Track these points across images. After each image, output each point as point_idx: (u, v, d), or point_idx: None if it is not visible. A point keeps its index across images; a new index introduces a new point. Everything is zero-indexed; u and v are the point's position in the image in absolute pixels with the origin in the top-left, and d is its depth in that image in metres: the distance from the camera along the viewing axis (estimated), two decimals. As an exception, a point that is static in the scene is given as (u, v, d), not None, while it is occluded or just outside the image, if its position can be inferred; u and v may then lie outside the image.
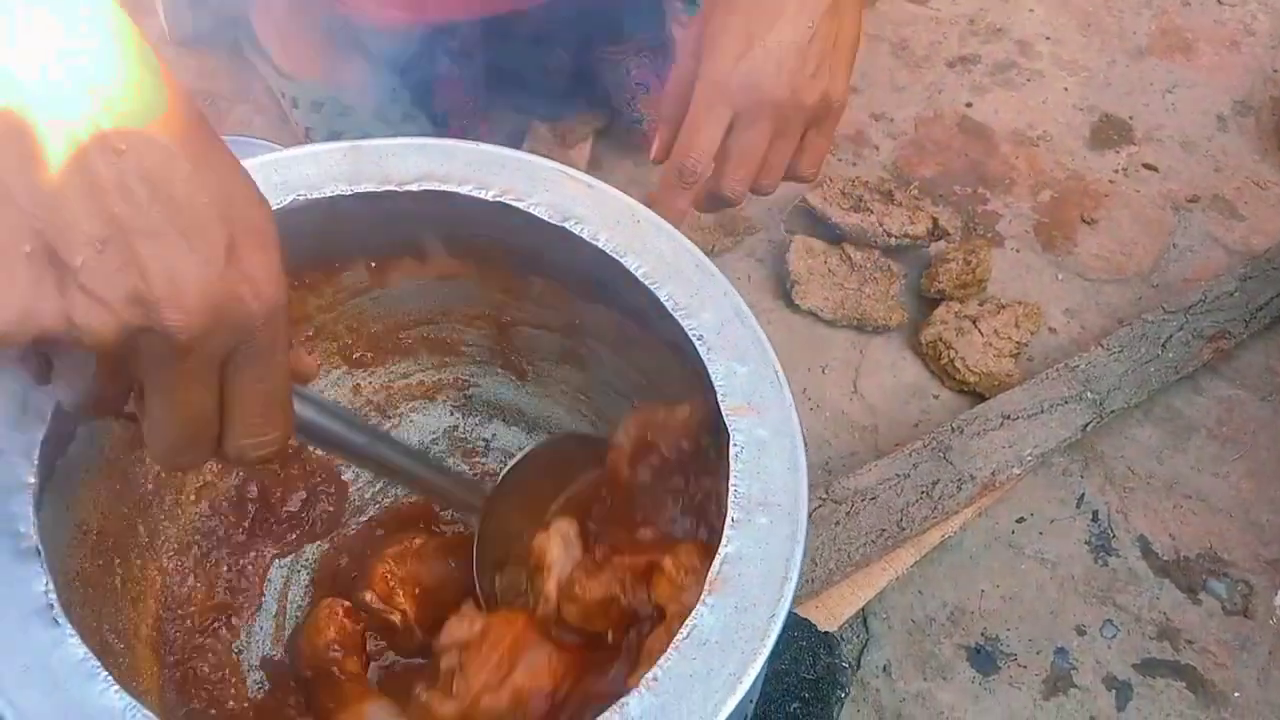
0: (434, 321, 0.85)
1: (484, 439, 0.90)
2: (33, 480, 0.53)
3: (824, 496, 1.05)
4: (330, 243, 0.73)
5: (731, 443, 0.59)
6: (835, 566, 1.02)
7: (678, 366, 0.68)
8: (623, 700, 0.49)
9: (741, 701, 0.50)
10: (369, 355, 0.85)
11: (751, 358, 0.62)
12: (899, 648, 1.07)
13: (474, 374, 0.89)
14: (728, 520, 0.56)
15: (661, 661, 0.51)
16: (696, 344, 0.62)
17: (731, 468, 0.58)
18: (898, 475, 1.09)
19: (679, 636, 0.52)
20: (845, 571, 1.03)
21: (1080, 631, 1.10)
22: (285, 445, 0.52)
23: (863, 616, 1.08)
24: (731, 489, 0.57)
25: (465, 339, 0.86)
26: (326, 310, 0.80)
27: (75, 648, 0.49)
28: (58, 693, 0.48)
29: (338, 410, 0.67)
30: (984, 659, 1.07)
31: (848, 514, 1.05)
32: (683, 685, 0.50)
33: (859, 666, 1.05)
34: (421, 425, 0.89)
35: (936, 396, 1.25)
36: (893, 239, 1.29)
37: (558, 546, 0.69)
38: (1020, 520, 1.16)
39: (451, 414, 0.90)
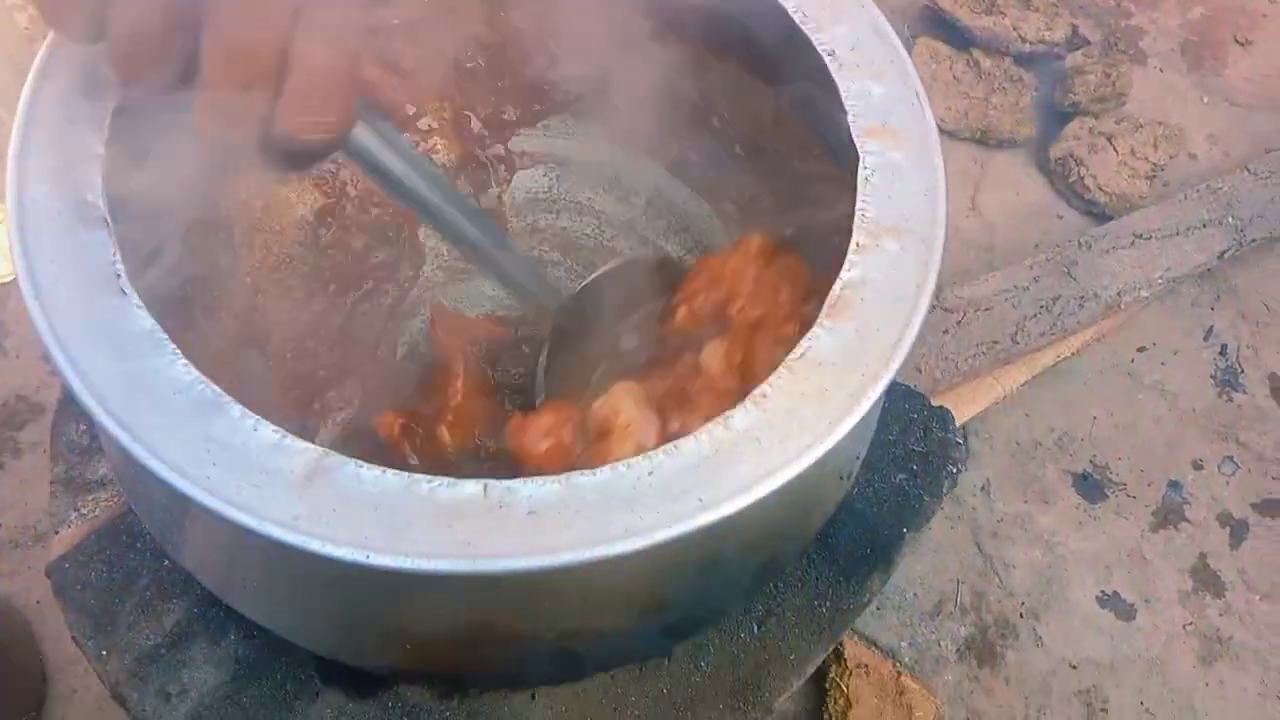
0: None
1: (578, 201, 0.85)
2: (102, 151, 0.49)
3: (934, 303, 0.98)
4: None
5: (861, 165, 0.52)
6: (940, 376, 0.96)
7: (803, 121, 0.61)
8: (728, 413, 0.45)
9: (857, 427, 0.45)
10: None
11: (889, 78, 0.55)
12: (1000, 468, 1.01)
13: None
14: (851, 245, 0.50)
15: (772, 379, 0.46)
16: (826, 60, 0.55)
17: (860, 191, 0.52)
18: (1016, 287, 1.01)
19: (791, 356, 0.47)
20: (951, 382, 0.96)
21: (1197, 466, 1.03)
22: (336, 138, 0.47)
23: (964, 433, 1.02)
24: (859, 213, 0.51)
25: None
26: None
27: (142, 318, 0.45)
28: (123, 361, 0.45)
29: (411, 153, 0.59)
30: (1090, 486, 1.01)
31: (958, 323, 0.98)
32: (794, 402, 0.45)
33: (956, 484, 1.00)
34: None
35: (1061, 217, 1.16)
36: (1027, 45, 1.19)
37: (631, 407, 0.62)
38: (1142, 349, 1.08)
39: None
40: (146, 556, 0.60)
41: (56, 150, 0.50)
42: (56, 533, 0.64)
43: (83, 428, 0.67)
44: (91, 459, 0.66)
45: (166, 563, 0.60)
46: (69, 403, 0.68)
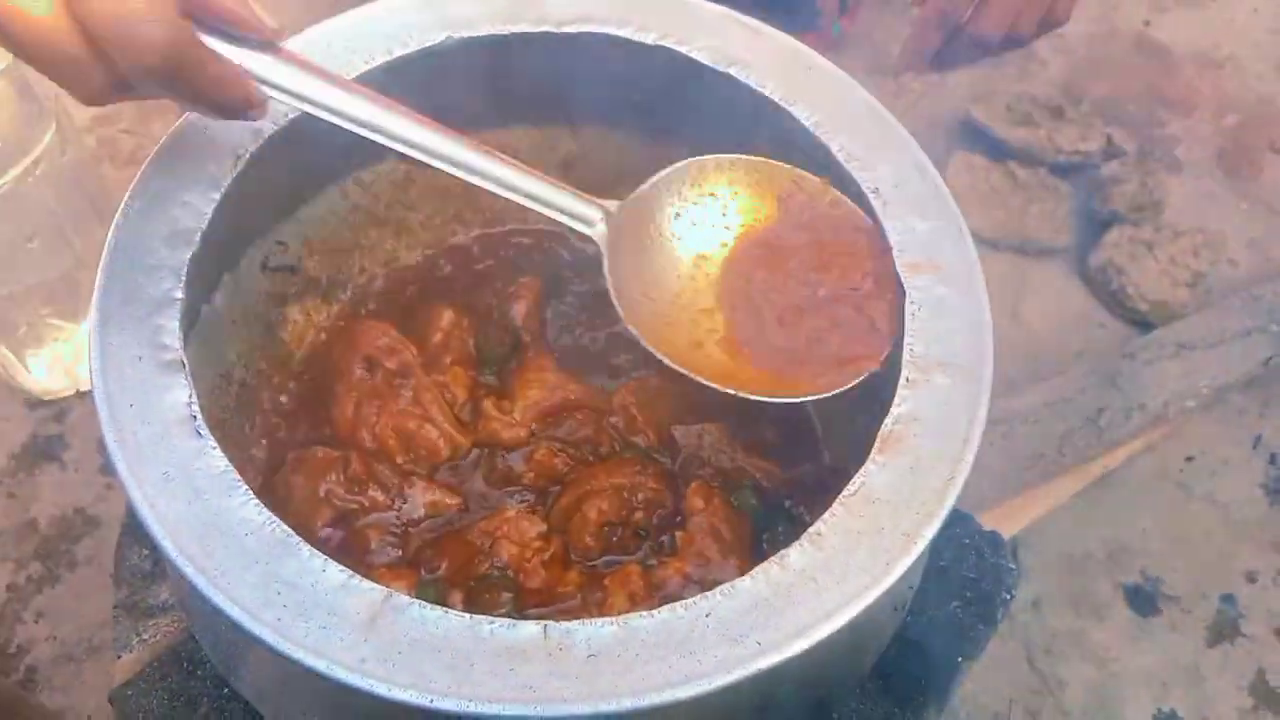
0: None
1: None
2: (180, 295, 0.52)
3: (978, 415, 0.99)
4: (479, 96, 0.69)
5: (908, 300, 0.54)
6: (988, 489, 0.96)
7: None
8: (783, 551, 0.45)
9: (911, 567, 0.46)
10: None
11: (933, 213, 0.57)
12: (1051, 583, 1.00)
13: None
14: (901, 380, 0.51)
15: (826, 517, 0.47)
16: (870, 198, 0.57)
17: (907, 326, 0.53)
18: (1061, 399, 1.01)
19: (845, 493, 0.48)
20: (998, 496, 0.96)
21: (1251, 579, 1.01)
22: (166, 43, 0.43)
23: (1013, 547, 1.01)
24: (907, 348, 0.52)
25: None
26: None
27: (217, 459, 0.47)
28: (198, 502, 0.46)
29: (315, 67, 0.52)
30: (1143, 600, 0.99)
31: (1004, 436, 0.98)
32: (849, 541, 0.46)
33: (1009, 609, 0.99)
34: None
35: (1103, 326, 1.17)
36: (1062, 155, 1.21)
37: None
38: (1190, 459, 1.08)
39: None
40: (207, 684, 0.61)
41: (137, 295, 0.52)
42: (119, 657, 0.65)
43: (145, 552, 0.68)
44: (154, 584, 0.67)
45: (226, 690, 0.61)
46: (133, 527, 0.70)
